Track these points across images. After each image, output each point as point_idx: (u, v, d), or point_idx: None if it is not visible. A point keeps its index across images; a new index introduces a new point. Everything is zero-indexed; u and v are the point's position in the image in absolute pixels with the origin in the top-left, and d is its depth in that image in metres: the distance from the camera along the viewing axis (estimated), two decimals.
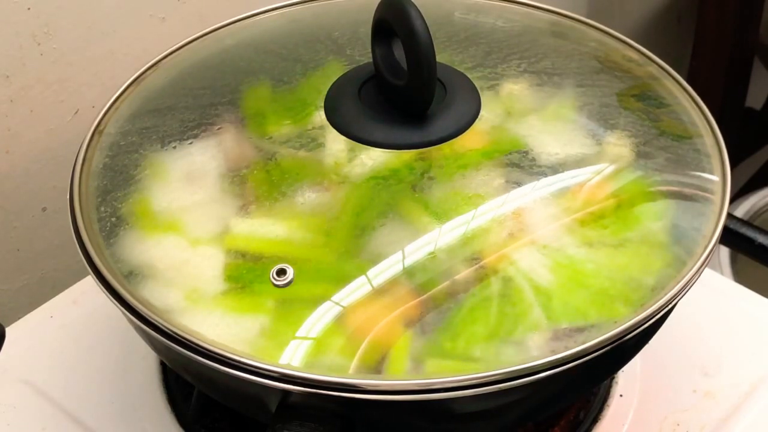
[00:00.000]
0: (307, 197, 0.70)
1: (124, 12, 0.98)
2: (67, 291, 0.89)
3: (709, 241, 0.68)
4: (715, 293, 0.89)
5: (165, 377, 0.83)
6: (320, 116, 0.74)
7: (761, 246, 0.81)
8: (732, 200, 1.67)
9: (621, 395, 0.80)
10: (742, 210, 1.57)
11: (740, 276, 1.43)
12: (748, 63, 1.77)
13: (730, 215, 0.81)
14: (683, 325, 0.84)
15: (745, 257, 0.85)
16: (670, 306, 0.64)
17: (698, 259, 0.66)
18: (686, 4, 1.79)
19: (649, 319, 0.63)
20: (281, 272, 0.65)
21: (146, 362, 0.84)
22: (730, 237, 0.82)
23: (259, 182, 0.72)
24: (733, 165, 1.83)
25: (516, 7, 0.88)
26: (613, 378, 0.81)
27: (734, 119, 1.81)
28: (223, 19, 0.85)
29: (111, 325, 0.86)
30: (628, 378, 0.81)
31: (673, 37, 1.84)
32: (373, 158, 0.71)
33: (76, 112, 0.97)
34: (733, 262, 1.45)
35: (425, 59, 0.67)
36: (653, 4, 1.75)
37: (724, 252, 1.46)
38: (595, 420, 0.79)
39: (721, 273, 1.39)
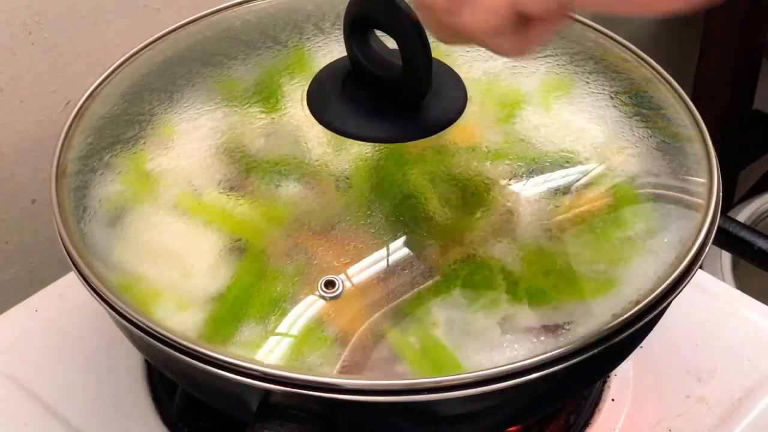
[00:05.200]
0: (289, 191, 0.69)
1: (118, 2, 0.97)
2: (52, 285, 0.89)
3: (693, 244, 0.67)
4: (711, 298, 0.88)
5: (149, 375, 0.83)
6: (304, 109, 0.73)
7: (761, 250, 0.80)
8: (736, 203, 1.66)
9: (613, 399, 0.80)
10: (745, 214, 1.57)
11: (742, 281, 1.43)
12: (756, 65, 1.77)
13: (730, 219, 0.81)
14: (677, 329, 0.84)
15: (747, 263, 0.84)
16: (655, 311, 0.63)
17: (683, 262, 0.66)
18: None
19: (637, 321, 0.62)
20: (330, 284, 0.65)
21: (131, 359, 0.83)
22: (729, 241, 0.81)
23: (239, 177, 0.71)
24: (740, 168, 1.83)
25: None
26: (605, 382, 0.81)
27: (741, 122, 1.80)
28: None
29: (97, 320, 0.85)
30: (620, 382, 0.81)
31: (681, 39, 1.83)
32: (359, 151, 0.70)
33: (68, 103, 0.96)
34: (735, 267, 1.45)
35: (421, 51, 0.66)
36: None
37: (726, 257, 1.45)
38: (586, 424, 0.79)
39: (722, 278, 1.38)
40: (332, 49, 0.78)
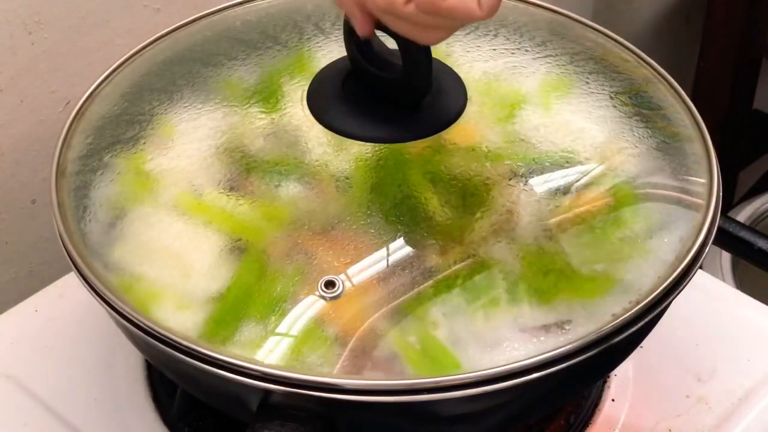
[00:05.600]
0: (289, 191, 0.69)
1: (118, 2, 0.97)
2: (52, 285, 0.88)
3: (693, 244, 0.67)
4: (711, 297, 0.88)
5: (149, 374, 0.82)
6: (304, 109, 0.73)
7: (761, 250, 0.80)
8: (736, 204, 1.66)
9: (613, 399, 0.79)
10: (745, 214, 1.56)
11: (742, 281, 1.42)
12: (757, 65, 1.76)
13: (730, 219, 0.81)
14: (678, 329, 0.83)
15: (747, 263, 0.83)
16: (655, 311, 0.63)
17: (683, 262, 0.66)
18: (695, 4, 1.78)
19: (637, 321, 0.62)
20: (330, 284, 0.65)
21: (131, 359, 0.83)
22: (728, 241, 0.81)
23: (239, 177, 0.71)
24: (740, 168, 1.82)
25: (515, 3, 0.86)
26: (605, 382, 0.80)
27: (742, 122, 1.80)
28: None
29: (97, 320, 0.85)
30: (620, 382, 0.80)
31: (682, 37, 1.83)
32: (359, 151, 0.70)
33: (68, 103, 0.96)
34: (735, 267, 1.44)
35: (421, 51, 0.67)
36: (662, 3, 1.74)
37: (726, 257, 1.45)
38: (586, 425, 0.78)
39: (722, 278, 1.38)
40: (332, 49, 0.78)
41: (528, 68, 0.77)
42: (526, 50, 0.79)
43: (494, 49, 0.78)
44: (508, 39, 0.80)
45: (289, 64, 0.77)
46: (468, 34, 0.80)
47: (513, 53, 0.78)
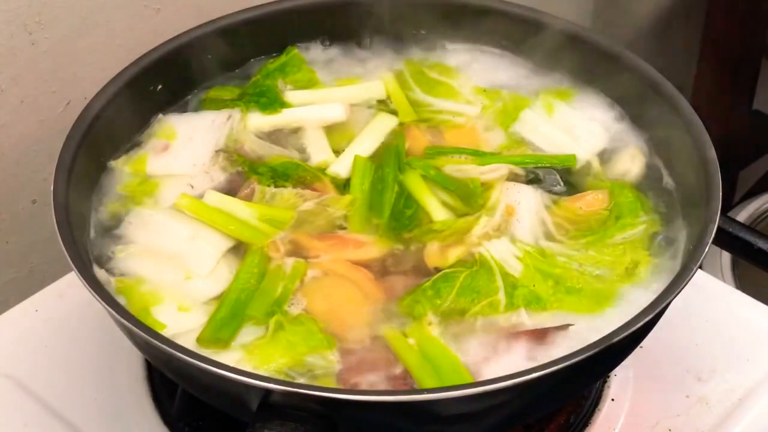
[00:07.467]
0: (289, 193, 0.70)
1: (118, 3, 0.96)
2: (53, 284, 0.88)
3: (693, 244, 0.67)
4: (711, 298, 0.87)
5: (149, 375, 0.82)
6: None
7: (760, 250, 0.80)
8: (736, 204, 1.66)
9: (613, 399, 0.79)
10: (745, 214, 1.56)
11: (742, 281, 1.42)
12: (756, 65, 1.76)
13: (730, 219, 0.80)
14: (678, 329, 0.83)
15: (747, 263, 0.83)
16: (655, 311, 0.62)
17: (683, 261, 0.66)
18: (695, 4, 1.78)
19: (637, 321, 0.61)
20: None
21: (131, 359, 0.82)
22: (728, 241, 0.80)
23: (239, 178, 0.72)
24: (740, 168, 1.81)
25: None
26: (605, 382, 0.80)
27: (741, 122, 1.79)
28: (219, 10, 0.83)
29: (97, 320, 0.84)
30: (620, 382, 0.80)
31: (682, 37, 1.83)
32: (358, 153, 0.70)
33: (68, 104, 0.96)
34: (735, 267, 1.44)
35: None
36: (662, 3, 1.74)
37: (726, 257, 1.44)
38: (586, 424, 0.78)
39: (722, 278, 1.37)
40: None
41: (530, 72, 0.78)
42: None
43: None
44: None
45: (287, 65, 0.78)
46: None
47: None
